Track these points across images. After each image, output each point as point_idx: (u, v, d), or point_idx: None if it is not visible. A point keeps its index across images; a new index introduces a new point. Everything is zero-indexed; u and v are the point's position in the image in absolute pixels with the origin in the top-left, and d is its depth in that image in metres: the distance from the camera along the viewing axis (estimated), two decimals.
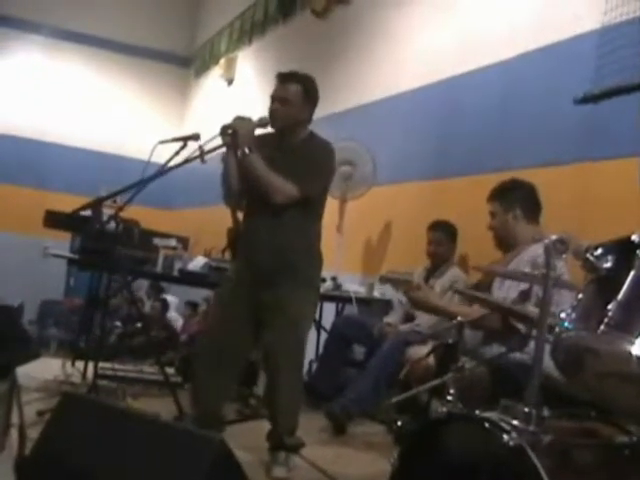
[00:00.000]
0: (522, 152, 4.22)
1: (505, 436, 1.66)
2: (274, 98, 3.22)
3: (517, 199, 3.38)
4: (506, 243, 3.39)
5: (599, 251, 1.80)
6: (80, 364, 4.70)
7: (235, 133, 3.10)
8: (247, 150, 3.10)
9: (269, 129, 3.27)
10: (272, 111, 3.21)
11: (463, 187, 4.67)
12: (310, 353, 5.09)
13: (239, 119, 3.14)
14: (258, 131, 3.21)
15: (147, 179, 3.15)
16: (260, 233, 3.22)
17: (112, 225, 3.84)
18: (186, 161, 3.11)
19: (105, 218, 3.70)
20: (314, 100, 3.28)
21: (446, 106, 5.02)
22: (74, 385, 4.34)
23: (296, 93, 3.19)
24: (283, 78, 3.23)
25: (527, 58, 4.32)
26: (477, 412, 1.82)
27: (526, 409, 1.74)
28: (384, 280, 4.34)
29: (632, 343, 1.67)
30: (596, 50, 3.73)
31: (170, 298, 7.74)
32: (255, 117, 3.20)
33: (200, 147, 3.11)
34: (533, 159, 4.06)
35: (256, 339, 3.26)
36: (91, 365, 4.20)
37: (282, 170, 3.12)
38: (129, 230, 4.41)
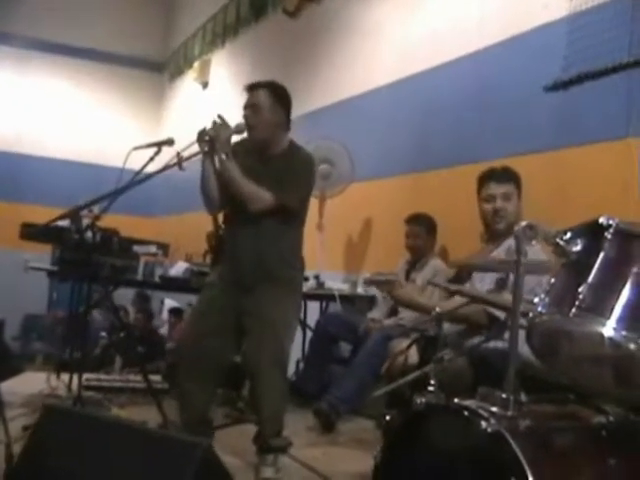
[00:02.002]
0: (499, 142, 4.24)
1: (483, 423, 1.67)
2: (245, 107, 3.25)
3: (520, 188, 3.31)
4: (503, 233, 3.19)
5: (568, 235, 1.81)
6: (66, 377, 4.67)
7: (212, 140, 3.11)
8: (224, 156, 3.11)
9: (245, 135, 3.28)
10: (245, 118, 3.23)
11: (442, 179, 4.69)
12: (296, 352, 5.09)
13: (216, 125, 3.15)
14: (236, 138, 3.23)
15: (124, 187, 3.14)
16: (241, 240, 3.22)
17: (90, 234, 3.82)
18: (165, 168, 3.11)
19: (82, 228, 3.68)
20: (284, 101, 3.28)
21: (421, 100, 5.04)
22: (59, 398, 4.31)
23: (264, 96, 3.22)
24: (250, 87, 3.28)
25: (498, 48, 4.34)
26: (456, 401, 1.83)
27: (504, 395, 1.75)
28: (368, 282, 4.36)
29: (603, 325, 1.69)
30: (565, 38, 3.76)
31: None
32: (232, 120, 3.21)
33: (178, 154, 3.11)
34: (510, 148, 4.08)
35: (239, 344, 3.25)
36: (76, 377, 4.17)
37: (263, 180, 3.14)
38: (107, 239, 4.38)
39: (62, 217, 3.39)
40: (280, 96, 3.26)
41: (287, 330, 3.25)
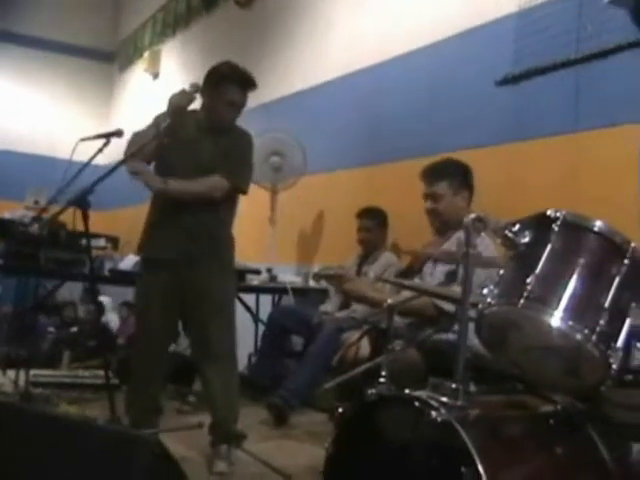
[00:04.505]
0: (450, 135, 4.28)
1: (434, 413, 1.68)
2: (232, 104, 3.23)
3: (466, 180, 3.26)
4: (449, 227, 3.18)
5: (517, 227, 1.83)
6: (12, 373, 4.56)
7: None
8: (162, 185, 3.09)
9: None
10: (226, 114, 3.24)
11: (394, 172, 4.71)
12: (249, 346, 5.09)
13: (178, 93, 3.14)
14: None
15: (96, 182, 3.08)
16: (175, 219, 3.18)
17: (37, 228, 3.75)
18: (123, 160, 3.06)
19: (27, 221, 3.60)
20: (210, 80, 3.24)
21: (374, 92, 5.05)
22: (6, 394, 4.21)
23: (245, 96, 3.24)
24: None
25: (449, 43, 4.38)
26: (407, 392, 1.84)
27: (454, 386, 1.76)
28: (317, 277, 4.36)
29: (551, 315, 1.71)
30: (515, 33, 3.81)
31: (103, 299, 7.58)
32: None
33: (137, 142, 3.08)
34: (461, 142, 4.12)
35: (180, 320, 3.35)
36: (23, 373, 4.10)
37: (207, 153, 3.16)
38: (55, 232, 4.29)
39: None
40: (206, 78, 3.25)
41: (233, 316, 3.30)
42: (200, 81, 3.24)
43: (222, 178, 3.13)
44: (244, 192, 3.28)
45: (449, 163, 3.33)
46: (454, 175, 3.24)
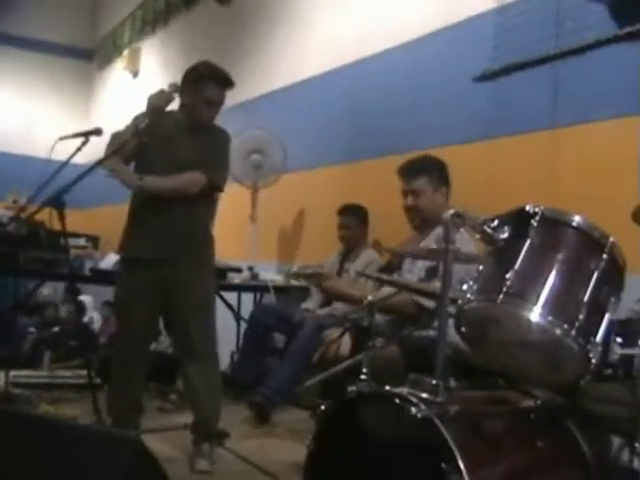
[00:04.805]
0: (429, 132, 4.28)
1: (414, 409, 1.68)
2: (211, 103, 3.24)
3: (443, 176, 3.26)
4: (428, 224, 3.17)
5: (496, 223, 1.83)
6: None
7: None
8: (138, 182, 3.11)
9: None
10: (207, 112, 3.24)
11: (375, 169, 4.71)
12: (231, 344, 5.07)
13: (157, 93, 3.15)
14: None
15: (73, 182, 3.06)
16: (153, 218, 3.19)
17: (14, 227, 3.72)
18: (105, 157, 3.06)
19: (6, 221, 3.57)
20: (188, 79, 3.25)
21: (354, 89, 5.05)
22: None
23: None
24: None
25: (428, 40, 4.38)
26: (387, 388, 1.84)
27: (434, 382, 1.76)
28: (295, 276, 4.36)
29: (530, 310, 1.72)
30: (493, 28, 3.82)
31: (85, 298, 7.53)
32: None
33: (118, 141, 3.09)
34: (439, 138, 4.12)
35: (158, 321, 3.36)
36: (3, 374, 4.06)
37: (186, 151, 3.16)
38: (34, 231, 4.25)
39: None
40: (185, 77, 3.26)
41: (214, 315, 3.29)
42: (179, 79, 3.24)
43: (200, 174, 3.14)
44: (220, 189, 3.29)
45: (426, 159, 3.35)
46: (432, 171, 3.26)
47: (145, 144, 3.14)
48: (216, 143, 3.28)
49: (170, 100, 3.15)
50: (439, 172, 3.28)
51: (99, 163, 3.00)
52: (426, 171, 3.24)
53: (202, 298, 3.24)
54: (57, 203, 2.80)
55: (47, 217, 4.60)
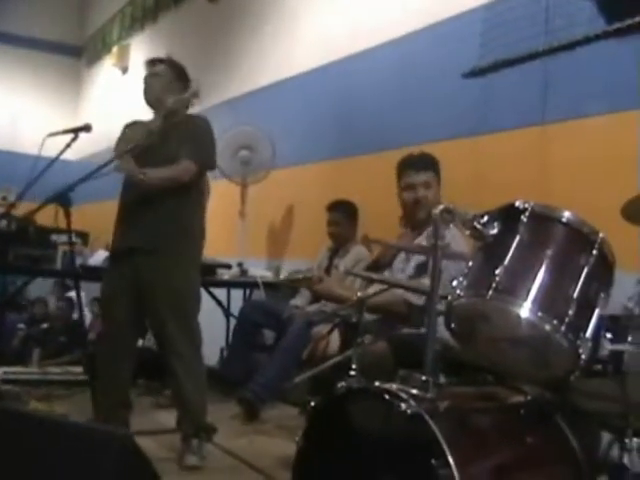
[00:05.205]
0: (418, 128, 4.28)
1: (403, 405, 1.68)
2: (145, 80, 3.44)
3: (439, 173, 3.24)
4: (429, 219, 3.19)
5: (485, 219, 1.83)
6: None
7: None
8: (141, 176, 3.12)
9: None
10: (146, 88, 3.41)
11: (364, 165, 4.71)
12: (220, 341, 5.07)
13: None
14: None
15: (81, 179, 3.08)
16: (137, 214, 3.22)
17: (4, 223, 3.69)
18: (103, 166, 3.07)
19: None
20: (180, 72, 3.43)
21: (343, 86, 5.04)
22: None
23: (163, 68, 3.41)
24: (150, 62, 3.50)
25: (418, 36, 4.38)
26: (376, 384, 1.84)
27: (423, 378, 1.76)
28: (287, 284, 4.35)
29: (520, 306, 1.71)
30: (483, 24, 3.82)
31: (75, 295, 7.49)
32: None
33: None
34: (429, 135, 4.12)
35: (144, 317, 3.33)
36: None
37: (170, 147, 3.20)
38: (23, 228, 4.22)
39: None
40: (176, 67, 3.46)
41: (196, 311, 3.30)
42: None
43: (188, 161, 3.18)
44: (212, 167, 3.40)
45: (429, 155, 3.30)
46: (436, 166, 3.25)
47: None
48: (197, 128, 3.33)
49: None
50: (439, 169, 3.26)
51: (112, 161, 3.05)
52: (432, 165, 3.23)
53: (181, 296, 3.23)
54: (63, 200, 2.80)
55: (38, 214, 4.61)
